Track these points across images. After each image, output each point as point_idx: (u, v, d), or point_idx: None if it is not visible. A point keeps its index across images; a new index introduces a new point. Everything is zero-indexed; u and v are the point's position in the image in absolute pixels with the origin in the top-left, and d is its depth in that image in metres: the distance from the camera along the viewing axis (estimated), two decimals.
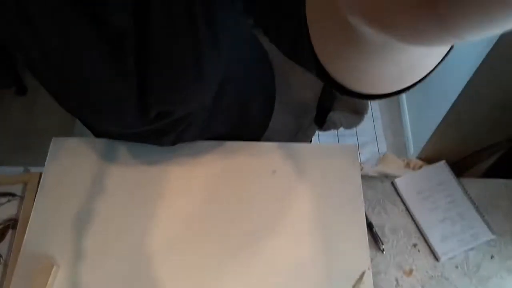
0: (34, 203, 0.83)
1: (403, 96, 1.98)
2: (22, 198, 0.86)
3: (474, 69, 1.23)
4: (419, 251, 0.82)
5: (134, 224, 0.82)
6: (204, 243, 0.80)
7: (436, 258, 0.81)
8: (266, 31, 0.48)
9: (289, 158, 0.88)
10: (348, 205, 0.82)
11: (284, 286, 0.76)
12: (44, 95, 0.69)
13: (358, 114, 1.07)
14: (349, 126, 1.09)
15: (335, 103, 1.02)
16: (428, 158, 1.61)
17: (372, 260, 0.80)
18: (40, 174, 0.87)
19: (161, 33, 0.59)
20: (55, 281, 0.76)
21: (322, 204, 0.83)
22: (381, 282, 0.79)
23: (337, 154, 0.88)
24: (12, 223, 0.84)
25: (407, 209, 0.86)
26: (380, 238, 0.83)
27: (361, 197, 0.83)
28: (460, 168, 1.09)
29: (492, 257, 0.81)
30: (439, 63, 0.28)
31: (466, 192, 0.88)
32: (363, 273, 0.76)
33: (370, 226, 0.83)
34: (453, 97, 1.37)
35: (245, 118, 0.91)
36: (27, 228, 0.80)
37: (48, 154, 0.89)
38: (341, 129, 1.11)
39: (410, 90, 0.30)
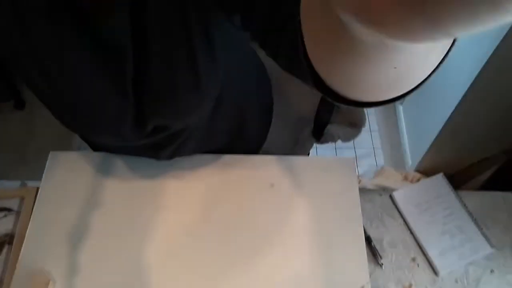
0: (31, 218, 0.83)
1: (400, 108, 1.99)
2: (18, 213, 0.86)
3: (470, 82, 1.24)
4: (418, 265, 0.82)
5: (131, 239, 0.81)
6: (201, 257, 0.79)
7: (435, 272, 0.81)
8: (262, 44, 0.49)
9: (287, 171, 0.88)
10: (346, 218, 0.82)
11: None
12: (42, 109, 0.69)
13: (355, 127, 1.08)
14: (346, 139, 1.10)
15: (332, 116, 1.02)
16: (426, 170, 1.61)
17: (370, 274, 0.79)
18: (37, 188, 0.87)
19: (158, 49, 0.59)
20: None
21: (320, 217, 0.82)
22: None
23: (335, 167, 0.88)
24: (8, 239, 0.83)
25: (406, 223, 0.86)
26: (378, 252, 0.82)
27: (359, 210, 0.83)
28: (458, 180, 1.09)
29: (492, 271, 0.81)
30: (434, 69, 0.28)
31: (464, 205, 0.87)
32: None
33: (368, 240, 0.83)
34: (449, 110, 1.38)
35: (243, 131, 0.91)
36: (23, 243, 0.80)
37: (46, 168, 0.88)
38: (339, 142, 1.11)
39: (406, 97, 0.30)
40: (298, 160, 0.89)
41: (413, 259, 0.82)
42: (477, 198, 0.89)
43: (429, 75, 0.28)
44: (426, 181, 0.93)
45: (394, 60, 0.23)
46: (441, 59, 0.27)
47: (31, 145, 2.01)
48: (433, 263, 0.81)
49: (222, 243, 0.80)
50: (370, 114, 2.06)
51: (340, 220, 0.82)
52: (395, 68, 0.24)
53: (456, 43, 0.26)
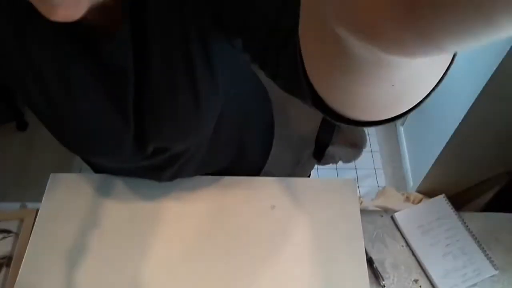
0: (30, 240, 0.82)
1: (401, 129, 1.99)
2: (17, 235, 0.85)
3: (471, 103, 1.24)
4: (420, 287, 0.80)
5: (130, 261, 0.80)
6: (201, 278, 0.78)
7: None
8: (262, 65, 0.49)
9: (288, 193, 0.87)
10: (348, 240, 0.81)
11: None
12: (44, 131, 0.70)
13: (356, 148, 1.08)
14: (347, 160, 1.10)
15: (333, 137, 1.03)
16: (427, 191, 1.60)
17: None
18: (37, 210, 0.86)
19: (159, 70, 0.60)
20: None
21: (321, 239, 0.82)
22: None
23: (336, 189, 0.88)
24: (6, 261, 0.82)
25: (408, 244, 0.85)
26: (380, 274, 0.81)
27: (361, 232, 0.82)
28: (460, 201, 1.08)
29: None
30: (433, 88, 0.27)
31: (467, 227, 0.87)
32: None
33: (370, 261, 0.82)
34: (451, 130, 1.38)
35: (244, 153, 0.91)
36: (21, 265, 0.79)
37: (46, 189, 0.88)
38: (340, 163, 1.11)
39: (406, 116, 0.30)
40: (299, 182, 0.89)
41: (416, 281, 0.81)
42: (479, 219, 0.88)
43: (428, 94, 0.28)
44: (428, 202, 0.92)
45: (391, 77, 0.23)
46: (440, 78, 0.26)
47: (32, 166, 2.02)
48: (436, 285, 0.80)
49: (222, 265, 0.80)
50: (371, 135, 2.06)
51: (342, 242, 0.81)
52: (393, 85, 0.24)
53: (454, 64, 0.26)
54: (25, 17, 0.56)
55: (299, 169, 1.11)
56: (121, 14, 0.54)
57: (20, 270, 0.79)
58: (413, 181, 1.80)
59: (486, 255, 0.83)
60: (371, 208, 0.98)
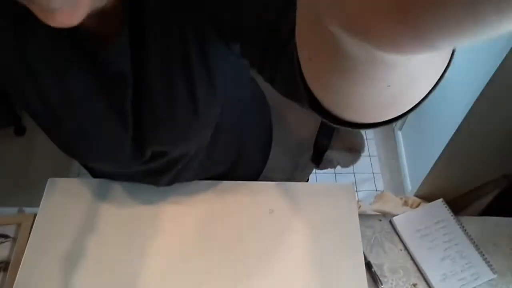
0: (27, 244, 0.82)
1: (399, 133, 1.99)
2: (15, 239, 0.85)
3: (469, 107, 1.25)
4: None
5: (128, 266, 0.80)
6: (199, 284, 0.78)
7: None
8: (260, 68, 0.49)
9: (287, 197, 0.87)
10: (346, 244, 0.81)
11: None
12: (42, 135, 0.70)
13: (355, 152, 1.08)
14: (346, 164, 1.10)
15: (332, 142, 1.03)
16: (425, 195, 1.60)
17: None
18: (35, 215, 0.86)
19: (158, 74, 0.60)
20: None
21: (320, 244, 0.82)
22: None
23: (334, 194, 0.88)
24: (4, 266, 0.82)
25: (406, 248, 0.85)
26: (379, 278, 0.81)
27: (359, 236, 0.82)
28: (458, 205, 1.08)
29: None
30: (430, 91, 0.27)
31: (465, 231, 0.87)
32: None
33: (368, 265, 0.82)
34: (449, 134, 1.38)
35: (243, 158, 0.92)
36: (19, 270, 0.79)
37: (44, 194, 0.88)
38: (338, 167, 1.11)
39: (403, 119, 0.30)
40: (297, 186, 0.89)
41: (414, 285, 0.81)
42: (478, 224, 0.89)
43: (425, 97, 0.28)
44: (426, 207, 0.92)
45: (387, 77, 0.23)
46: (436, 80, 0.26)
47: (30, 170, 2.01)
48: None
49: (221, 270, 0.79)
50: (369, 139, 2.06)
51: (340, 246, 0.81)
52: (389, 86, 0.24)
53: (452, 66, 0.26)
54: (24, 23, 0.56)
55: (298, 174, 1.11)
56: (119, 19, 0.54)
57: (18, 275, 0.78)
58: (411, 185, 1.80)
59: (485, 259, 0.83)
60: (369, 212, 0.99)
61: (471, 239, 0.86)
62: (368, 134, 2.07)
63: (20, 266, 0.79)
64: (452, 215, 0.89)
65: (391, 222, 0.89)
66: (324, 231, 0.83)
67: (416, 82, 0.25)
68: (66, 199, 0.87)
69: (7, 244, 0.85)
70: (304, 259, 0.80)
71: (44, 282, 0.78)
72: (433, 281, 0.80)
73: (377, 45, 0.17)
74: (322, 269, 0.79)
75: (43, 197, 0.88)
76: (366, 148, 1.09)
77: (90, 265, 0.80)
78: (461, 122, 1.31)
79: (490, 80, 1.15)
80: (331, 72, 0.25)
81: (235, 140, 0.86)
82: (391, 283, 0.81)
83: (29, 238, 0.83)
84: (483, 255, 0.84)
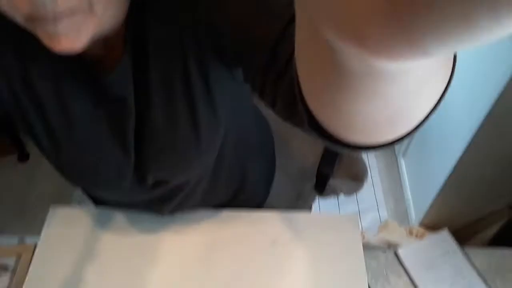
0: (27, 276, 0.80)
1: (402, 161, 1.99)
2: (14, 271, 0.83)
3: (472, 135, 1.25)
4: None
5: None
6: None
7: None
8: (261, 93, 0.49)
9: (289, 227, 0.86)
10: (350, 276, 0.80)
11: None
12: (45, 162, 0.70)
13: (358, 180, 1.07)
14: (349, 192, 1.09)
15: (334, 170, 1.02)
16: (430, 224, 1.58)
17: None
18: (35, 245, 0.85)
19: (159, 101, 0.60)
20: None
21: (323, 276, 0.80)
22: None
23: (338, 225, 0.87)
24: None
25: (412, 281, 0.83)
26: None
27: (364, 268, 0.81)
28: (464, 235, 1.07)
29: None
30: (431, 111, 0.27)
31: (472, 263, 0.85)
32: None
33: None
34: (452, 162, 1.38)
35: (246, 185, 0.91)
36: None
37: (45, 222, 0.87)
38: (341, 196, 1.10)
39: (405, 140, 0.29)
40: (300, 217, 0.88)
41: None
42: (484, 255, 0.87)
43: (426, 118, 0.27)
44: (431, 238, 0.91)
45: (386, 93, 0.23)
46: (437, 100, 0.26)
47: (32, 197, 2.01)
48: None
49: None
50: (372, 167, 2.06)
51: (344, 278, 0.80)
52: (387, 103, 0.24)
53: (450, 86, 0.26)
54: (27, 47, 0.57)
55: (301, 202, 1.10)
56: (122, 45, 0.55)
57: None
58: (415, 213, 1.78)
59: None
60: (373, 242, 0.97)
61: (478, 272, 0.84)
62: (370, 162, 2.06)
63: None
64: (458, 247, 0.88)
65: (396, 254, 0.87)
66: (327, 263, 0.81)
67: (417, 99, 0.25)
68: (68, 228, 0.87)
69: (6, 277, 0.83)
70: None
71: None
72: None
73: (370, 50, 0.17)
74: None
75: (44, 225, 0.87)
76: (369, 176, 1.08)
77: None
78: (464, 150, 1.30)
79: (493, 108, 1.15)
80: (329, 87, 0.25)
81: (238, 166, 0.86)
82: None
83: (29, 270, 0.81)
84: None
